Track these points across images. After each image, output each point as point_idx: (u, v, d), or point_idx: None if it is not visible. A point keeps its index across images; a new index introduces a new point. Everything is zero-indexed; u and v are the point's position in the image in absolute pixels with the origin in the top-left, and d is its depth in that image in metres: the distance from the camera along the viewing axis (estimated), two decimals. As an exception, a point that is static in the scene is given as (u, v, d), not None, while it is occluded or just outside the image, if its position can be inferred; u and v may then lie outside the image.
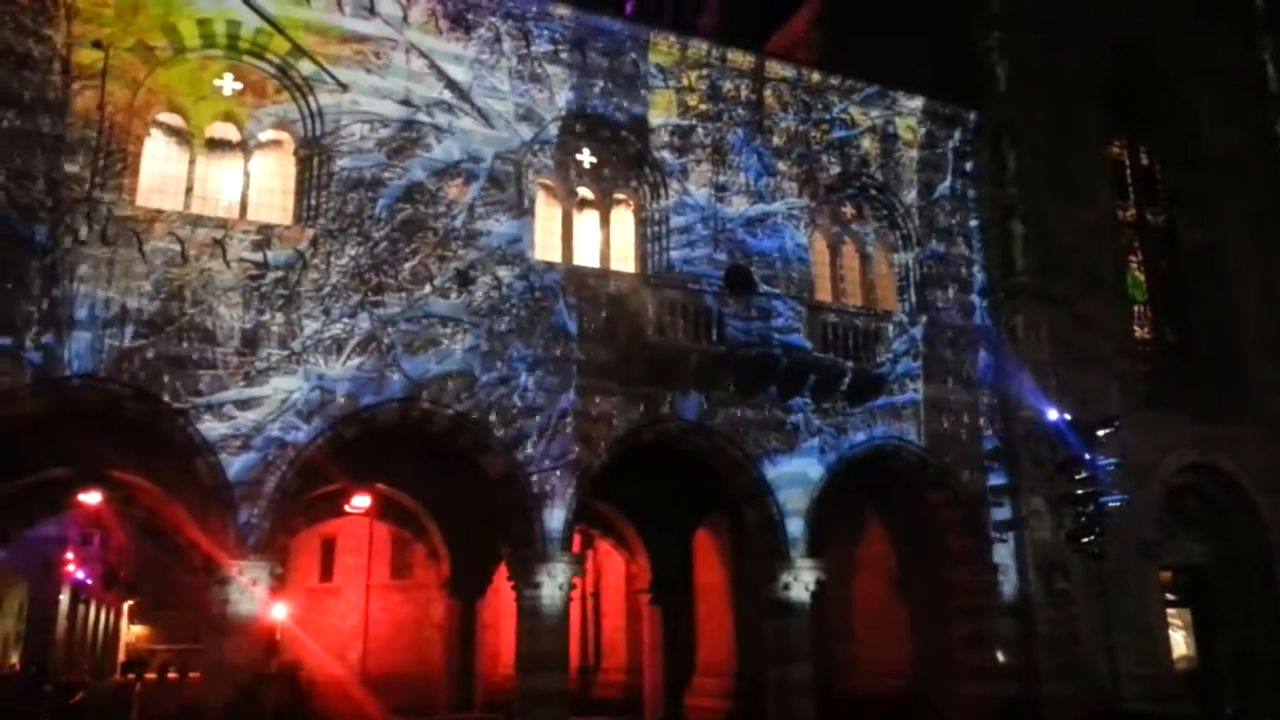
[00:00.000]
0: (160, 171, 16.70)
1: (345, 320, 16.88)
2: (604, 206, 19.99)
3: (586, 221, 19.93)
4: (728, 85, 20.89)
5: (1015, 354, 21.83)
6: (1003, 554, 21.32)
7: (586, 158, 19.77)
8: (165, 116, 16.90)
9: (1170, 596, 24.09)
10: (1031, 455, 21.40)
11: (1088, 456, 19.47)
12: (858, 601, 23.98)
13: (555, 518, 17.90)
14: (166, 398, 15.65)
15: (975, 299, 22.45)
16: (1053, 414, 20.53)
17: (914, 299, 21.94)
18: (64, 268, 15.24)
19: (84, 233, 15.38)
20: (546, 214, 19.32)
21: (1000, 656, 20.79)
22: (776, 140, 21.20)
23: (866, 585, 23.87)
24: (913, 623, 22.68)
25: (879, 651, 23.22)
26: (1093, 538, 19.45)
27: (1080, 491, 19.65)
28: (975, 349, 22.15)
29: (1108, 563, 20.05)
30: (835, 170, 21.73)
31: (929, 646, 22.08)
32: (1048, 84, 23.73)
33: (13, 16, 15.62)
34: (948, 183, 22.85)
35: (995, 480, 21.61)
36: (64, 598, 40.03)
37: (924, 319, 21.75)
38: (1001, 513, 21.51)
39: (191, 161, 16.89)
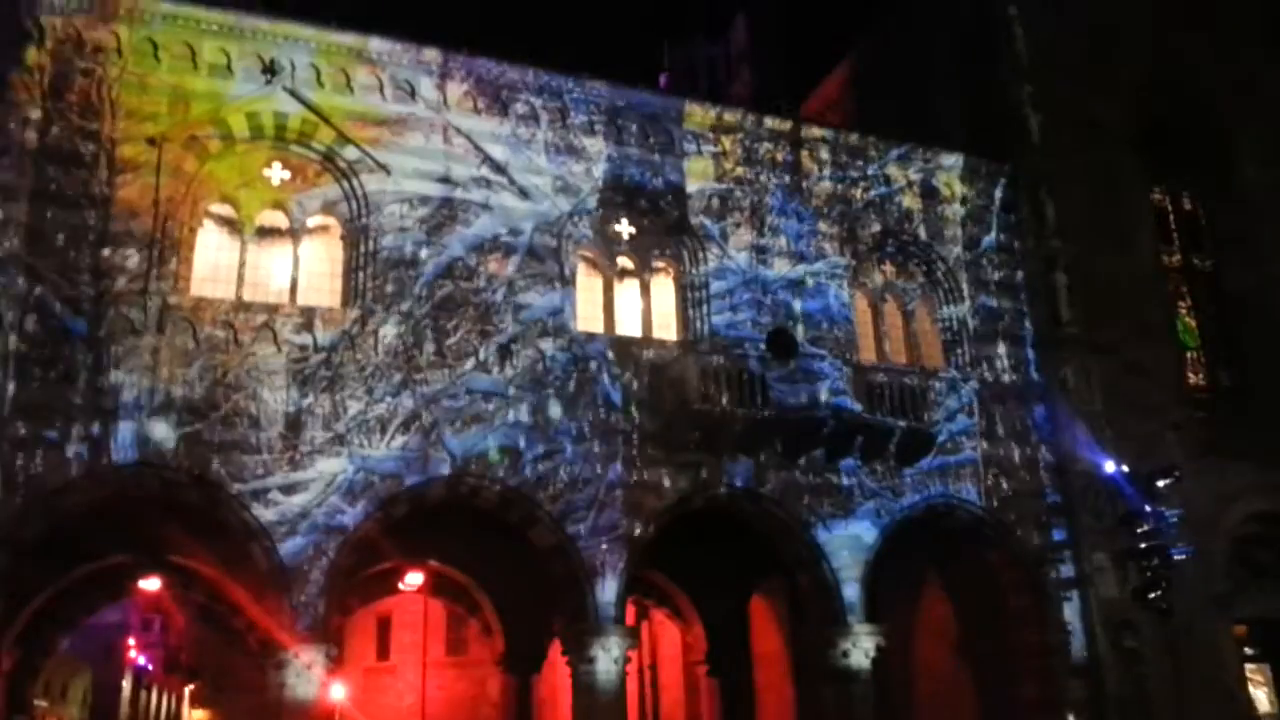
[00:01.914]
0: (213, 260, 17.23)
1: (389, 399, 17.09)
2: (644, 275, 20.19)
3: (627, 291, 20.13)
4: (764, 149, 21.15)
5: (1067, 406, 21.50)
6: (1068, 613, 20.76)
7: (625, 228, 20.05)
8: (217, 207, 17.47)
9: (1249, 651, 23.16)
10: (1091, 510, 20.92)
11: (1149, 509, 18.95)
12: (919, 667, 23.39)
13: (607, 590, 17.78)
14: (220, 483, 15.89)
15: (1027, 352, 22.23)
16: (1110, 466, 20.08)
17: (967, 354, 21.77)
18: (109, 358, 15.62)
19: (139, 322, 15.83)
20: (587, 285, 19.56)
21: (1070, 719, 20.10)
22: (816, 200, 21.37)
23: (927, 650, 23.28)
24: (977, 687, 22.02)
25: (944, 718, 22.54)
26: (1160, 593, 18.82)
27: (1144, 545, 19.09)
28: (1028, 403, 21.86)
29: (1178, 618, 19.33)
30: (876, 228, 21.79)
31: (995, 711, 21.44)
32: (1083, 133, 23.69)
33: (61, 114, 16.28)
34: (991, 236, 22.82)
35: (1056, 537, 21.15)
36: (126, 683, 40.38)
37: (975, 374, 21.56)
38: (1064, 570, 21.00)
39: (242, 249, 17.40)
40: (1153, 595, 18.96)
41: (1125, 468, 19.73)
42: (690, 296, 20.06)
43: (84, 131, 16.32)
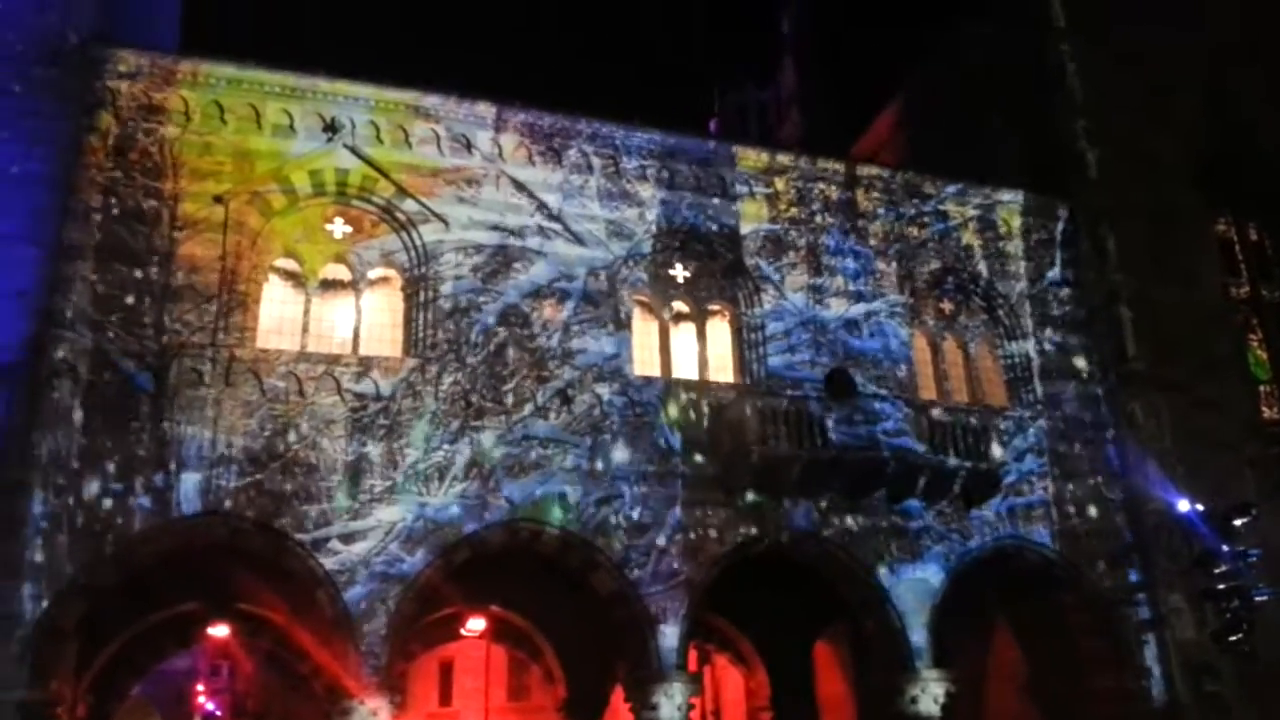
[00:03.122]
0: (278, 313, 17.66)
1: (446, 447, 17.27)
2: (699, 318, 20.25)
3: (683, 334, 20.19)
4: (818, 189, 21.20)
5: (1137, 444, 21.03)
6: (1145, 657, 20.16)
7: (680, 271, 20.15)
8: (281, 261, 17.93)
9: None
10: (1165, 549, 20.40)
11: (1225, 548, 18.35)
12: (990, 713, 22.78)
13: (669, 636, 17.67)
14: (285, 531, 16.15)
15: (1095, 389, 21.84)
16: (1183, 505, 19.52)
17: (1033, 393, 21.45)
18: (174, 410, 16.02)
19: (206, 375, 16.24)
20: (643, 329, 19.68)
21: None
22: (872, 239, 21.34)
23: (998, 695, 22.70)
24: (1052, 734, 21.39)
25: (1017, 766, 21.93)
26: (1241, 635, 18.16)
27: (1222, 586, 18.45)
28: (1098, 441, 21.45)
29: (1262, 662, 18.66)
30: (935, 265, 21.69)
31: (1071, 759, 20.77)
32: (1142, 166, 23.39)
33: (126, 174, 16.87)
34: (1055, 271, 22.59)
35: (1130, 578, 20.65)
36: (195, 730, 40.85)
37: (1042, 413, 21.23)
38: (1140, 612, 20.41)
39: (307, 302, 17.81)
40: (1234, 638, 18.28)
41: (1199, 506, 19.18)
42: (747, 338, 20.05)
43: (147, 190, 16.89)
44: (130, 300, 16.31)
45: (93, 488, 15.33)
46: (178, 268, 16.68)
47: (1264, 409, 24.26)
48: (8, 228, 16.07)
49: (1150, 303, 22.18)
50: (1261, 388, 24.53)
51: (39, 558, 14.85)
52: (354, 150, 18.16)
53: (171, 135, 17.24)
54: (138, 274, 16.47)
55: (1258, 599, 18.22)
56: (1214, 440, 21.48)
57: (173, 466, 15.75)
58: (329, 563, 16.23)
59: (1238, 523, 18.47)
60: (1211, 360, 22.60)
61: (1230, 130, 25.30)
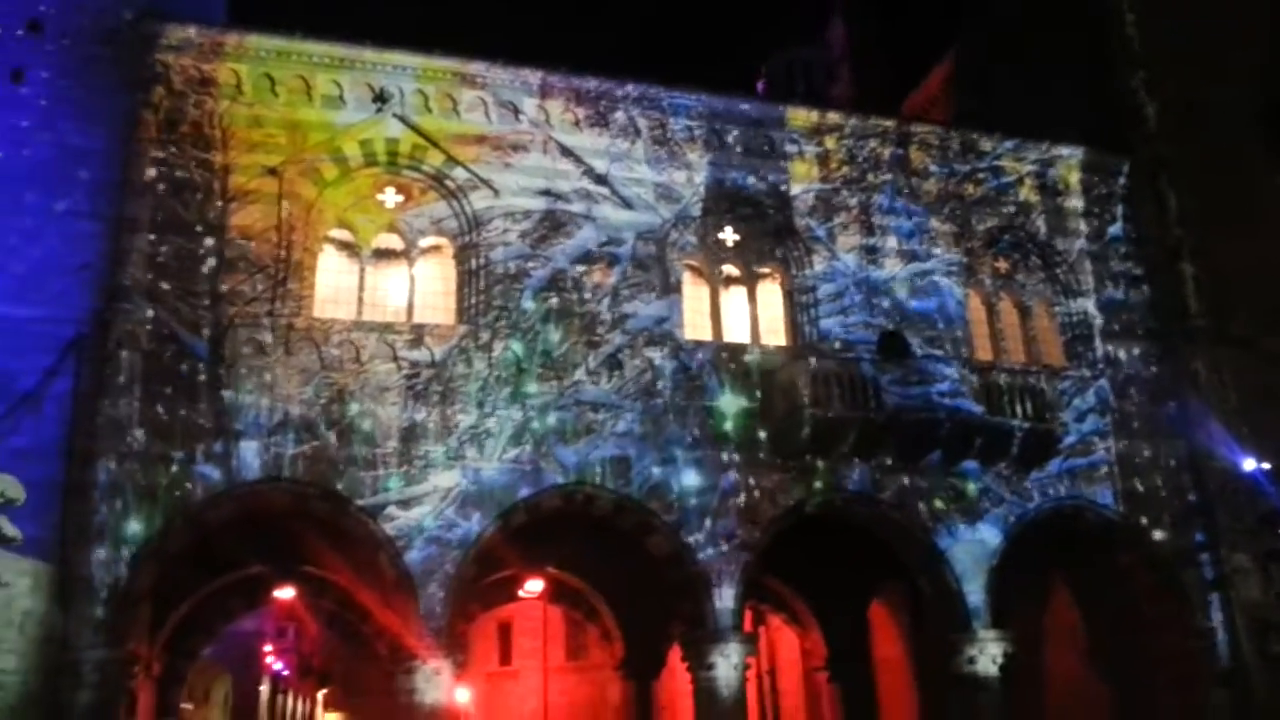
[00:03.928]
0: (333, 283, 17.90)
1: (499, 413, 17.42)
2: (750, 281, 20.14)
3: (733, 298, 20.10)
4: (869, 147, 20.88)
5: (1200, 402, 20.56)
6: (1209, 618, 19.90)
7: (729, 234, 20.02)
8: (335, 231, 18.15)
9: None
10: (1230, 509, 19.99)
11: (1293, 507, 18.02)
12: (1048, 675, 22.69)
13: (725, 597, 17.78)
14: (346, 496, 16.48)
15: (1156, 347, 21.38)
16: (1249, 463, 19.15)
17: (1095, 351, 21.08)
18: (232, 379, 16.36)
19: (266, 344, 16.57)
20: (693, 293, 19.62)
21: (1217, 731, 19.21)
22: (926, 198, 21.00)
23: (1056, 657, 22.58)
24: (1111, 696, 21.26)
25: (1075, 728, 21.81)
26: (1309, 596, 17.88)
27: (1289, 546, 18.16)
28: (1159, 400, 21.05)
29: (1329, 622, 18.35)
30: (991, 223, 21.32)
31: (1133, 720, 20.62)
32: (1202, 118, 22.67)
33: (178, 147, 17.16)
34: (1116, 227, 22.11)
35: (1194, 538, 20.30)
36: (264, 688, 42.04)
37: (1104, 372, 20.86)
38: (1204, 573, 20.12)
39: (361, 271, 18.04)
40: (1301, 598, 18.02)
41: (1265, 464, 18.82)
42: (798, 300, 19.91)
43: (199, 162, 17.19)
44: (186, 272, 16.65)
45: (157, 455, 15.75)
46: (231, 239, 16.97)
47: (1333, 364, 23.56)
48: (70, 204, 16.55)
49: (1213, 257, 21.60)
50: (1330, 343, 23.81)
51: (109, 524, 15.34)
52: (403, 119, 18.28)
53: (221, 108, 17.51)
54: (192, 246, 16.80)
55: (1326, 559, 17.91)
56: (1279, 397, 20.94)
57: (232, 434, 16.12)
58: (388, 527, 16.53)
59: (1305, 481, 18.15)
60: (1277, 315, 21.94)
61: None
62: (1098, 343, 21.21)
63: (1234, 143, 23.09)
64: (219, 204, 17.10)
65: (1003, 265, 21.61)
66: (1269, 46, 24.05)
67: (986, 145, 21.69)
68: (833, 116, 21.03)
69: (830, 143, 20.68)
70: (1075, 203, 22.07)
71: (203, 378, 16.28)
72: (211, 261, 16.81)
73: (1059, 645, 22.54)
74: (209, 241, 16.90)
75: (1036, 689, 22.54)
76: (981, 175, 21.55)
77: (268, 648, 40.79)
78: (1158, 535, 20.16)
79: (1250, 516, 19.49)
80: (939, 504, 19.08)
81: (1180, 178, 22.01)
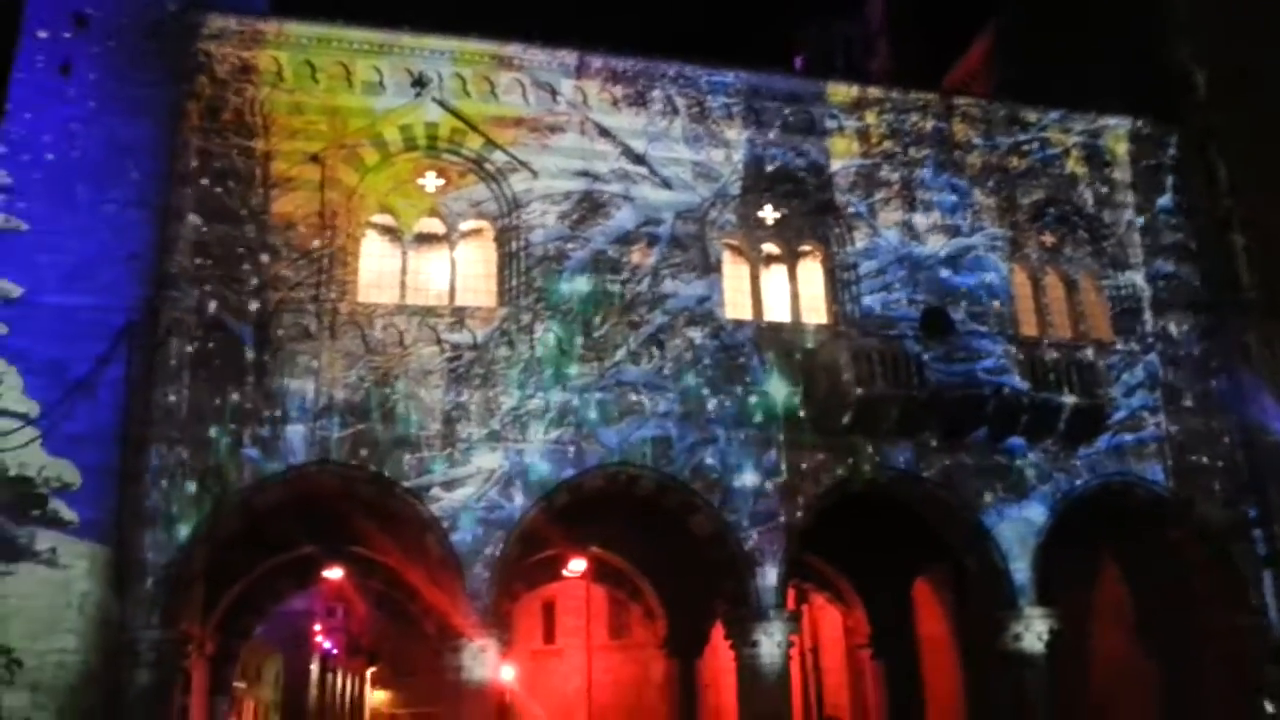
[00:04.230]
0: (376, 268, 18.06)
1: (541, 394, 17.49)
2: (790, 260, 20.01)
3: (774, 277, 19.99)
4: (911, 121, 20.64)
5: (1251, 375, 20.19)
6: (1261, 593, 19.66)
7: (769, 212, 19.89)
8: (377, 217, 18.28)
9: None
10: (1282, 483, 19.62)
11: (1347, 481, 17.68)
12: (1094, 651, 22.49)
13: (768, 575, 17.81)
14: (393, 478, 16.69)
15: (1208, 320, 21.00)
16: (1301, 437, 18.79)
17: (1146, 325, 20.78)
18: (277, 364, 16.57)
19: (312, 329, 16.78)
20: (733, 272, 19.54)
21: (1270, 708, 18.96)
22: (970, 171, 20.72)
23: (1103, 634, 22.37)
24: (1159, 672, 21.05)
25: (1124, 705, 21.61)
26: (1363, 570, 17.57)
27: (1344, 520, 17.83)
28: (1212, 373, 20.71)
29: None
30: (1037, 196, 21.00)
31: (1180, 698, 20.46)
32: (1253, 86, 22.03)
33: (220, 135, 17.36)
34: (1166, 198, 21.69)
35: (1246, 513, 19.99)
36: (314, 667, 42.84)
37: (1154, 345, 20.57)
38: (1256, 548, 19.85)
39: (404, 255, 18.16)
40: (1355, 572, 17.72)
41: (1319, 438, 18.47)
42: (840, 278, 19.75)
43: (241, 149, 17.36)
44: (231, 259, 16.85)
45: (206, 440, 16.02)
46: (274, 225, 17.15)
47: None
48: (119, 196, 16.85)
49: (1264, 228, 21.08)
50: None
51: (162, 507, 15.66)
52: (442, 103, 18.34)
53: (262, 95, 17.65)
54: (236, 233, 16.99)
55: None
56: (1335, 370, 20.53)
57: (279, 418, 16.33)
58: (433, 508, 16.71)
59: (1360, 455, 17.78)
60: (1330, 288, 21.52)
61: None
62: (1147, 316, 20.87)
63: (1286, 111, 22.55)
64: (261, 191, 17.29)
65: (1048, 239, 21.24)
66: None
67: (1031, 117, 21.32)
68: (873, 91, 20.80)
69: (871, 117, 20.44)
70: (1123, 174, 21.65)
71: (249, 363, 16.50)
72: (255, 248, 17.00)
73: (1106, 622, 22.33)
74: (252, 228, 17.08)
75: (1083, 666, 22.37)
76: (1026, 148, 21.20)
77: (317, 627, 41.55)
78: (1209, 510, 19.88)
79: (1304, 491, 19.15)
80: (984, 481, 18.91)
81: (1230, 147, 21.51)
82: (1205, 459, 20.16)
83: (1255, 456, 20.07)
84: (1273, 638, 19.42)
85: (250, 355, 16.52)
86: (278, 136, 17.57)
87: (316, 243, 17.24)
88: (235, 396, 16.29)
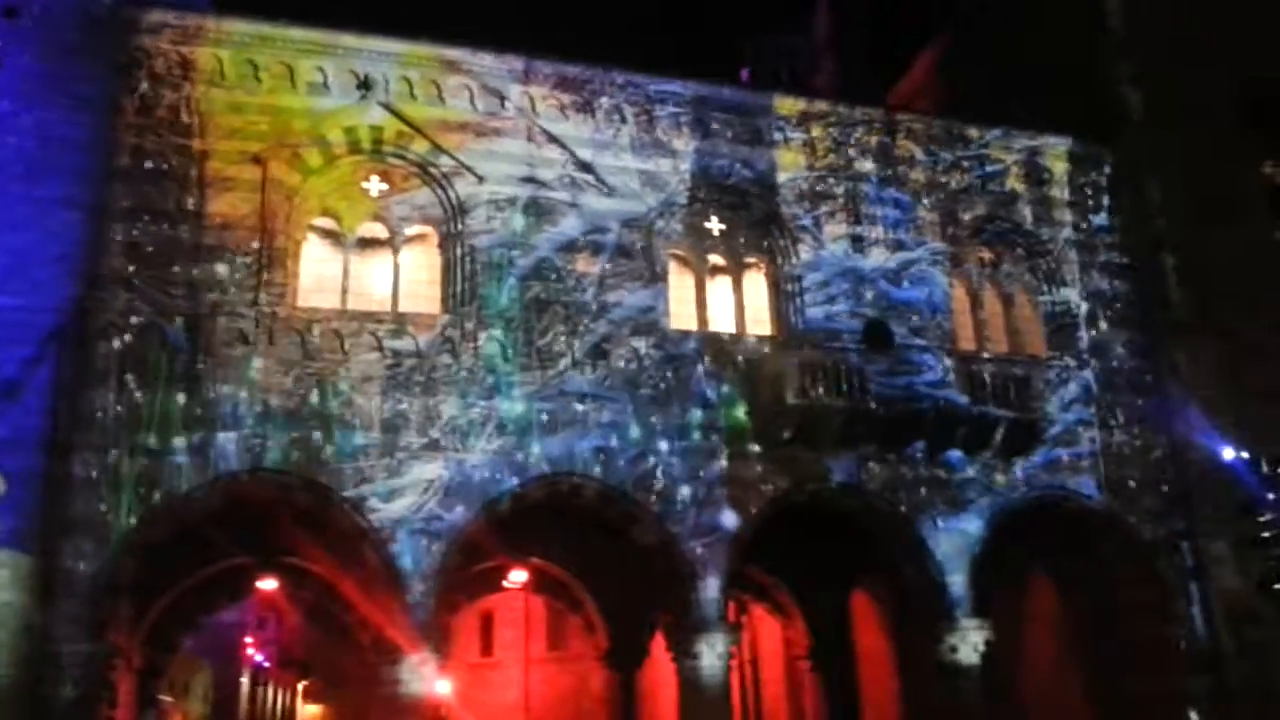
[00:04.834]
0: (317, 272, 17.74)
1: (482, 403, 17.30)
2: (736, 271, 20.12)
3: (719, 287, 20.07)
4: (856, 136, 20.88)
5: (1181, 392, 20.75)
6: (1187, 606, 20.12)
7: (715, 224, 19.97)
8: (320, 220, 17.97)
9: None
10: (1209, 499, 20.22)
11: (1270, 495, 18.18)
12: (1026, 662, 22.84)
13: (710, 587, 17.83)
14: (331, 486, 16.36)
15: (1140, 337, 21.53)
16: (1228, 453, 19.31)
17: (1080, 341, 21.21)
18: (209, 369, 16.15)
19: (248, 333, 16.40)
20: (679, 283, 19.57)
21: (1193, 716, 19.45)
22: (913, 186, 21.00)
23: (1035, 645, 22.76)
24: (1089, 682, 21.46)
25: (1053, 714, 21.99)
26: (1285, 583, 18.08)
27: (1267, 534, 18.31)
28: (1143, 390, 21.21)
29: (1306, 609, 18.58)
30: (977, 212, 21.36)
31: (1108, 707, 20.88)
32: (1187, 109, 22.76)
33: (155, 132, 16.90)
34: (1101, 217, 22.20)
35: (1173, 527, 20.50)
36: (244, 680, 41.92)
37: (1088, 361, 21.02)
38: (1183, 562, 20.34)
39: (345, 260, 17.86)
40: (1277, 585, 18.20)
41: (1244, 454, 18.96)
42: (784, 289, 19.88)
43: (176, 147, 16.92)
44: (164, 260, 16.41)
45: (136, 446, 15.56)
46: (210, 226, 16.73)
47: (1312, 355, 23.80)
48: (50, 192, 16.25)
49: (1195, 248, 21.72)
50: (1309, 334, 24.05)
51: (89, 515, 15.17)
52: (388, 106, 18.12)
53: (200, 93, 17.24)
54: (170, 233, 16.54)
55: (1302, 547, 18.08)
56: (1260, 387, 21.02)
57: (212, 425, 15.94)
58: (371, 519, 16.42)
59: (1284, 470, 18.31)
60: (1258, 305, 22.07)
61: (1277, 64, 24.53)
62: (1082, 332, 21.32)
63: (1217, 134, 23.20)
64: (197, 191, 16.85)
65: (988, 254, 21.65)
66: (1253, 38, 24.20)
67: (973, 134, 21.72)
68: (820, 105, 21.04)
69: (817, 131, 20.65)
70: (1061, 192, 22.14)
71: (182, 367, 16.07)
72: (190, 249, 16.54)
73: (1038, 633, 22.72)
74: (187, 229, 16.63)
75: (1016, 676, 22.71)
76: (968, 164, 21.58)
77: (248, 639, 40.67)
78: (1138, 524, 20.35)
79: (1229, 505, 19.62)
80: (923, 494, 19.16)
81: (1163, 168, 22.14)
82: (1136, 474, 20.66)
83: (1183, 472, 20.60)
84: (1197, 649, 19.90)
85: (183, 359, 16.09)
86: (215, 135, 17.18)
87: (254, 245, 16.86)
88: (166, 402, 15.85)
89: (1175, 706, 19.66)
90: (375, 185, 18.18)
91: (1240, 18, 23.99)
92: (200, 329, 16.30)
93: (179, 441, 15.77)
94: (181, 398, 15.93)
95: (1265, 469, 18.34)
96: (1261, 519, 18.34)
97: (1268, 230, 23.83)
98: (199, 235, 16.67)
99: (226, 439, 15.99)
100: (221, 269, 16.62)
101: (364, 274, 18.01)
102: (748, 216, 20.11)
